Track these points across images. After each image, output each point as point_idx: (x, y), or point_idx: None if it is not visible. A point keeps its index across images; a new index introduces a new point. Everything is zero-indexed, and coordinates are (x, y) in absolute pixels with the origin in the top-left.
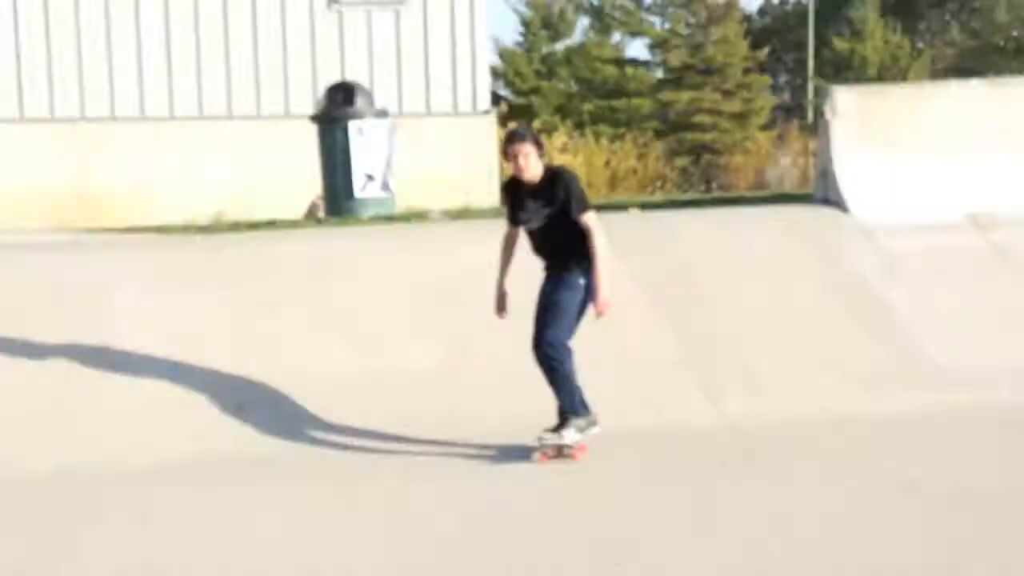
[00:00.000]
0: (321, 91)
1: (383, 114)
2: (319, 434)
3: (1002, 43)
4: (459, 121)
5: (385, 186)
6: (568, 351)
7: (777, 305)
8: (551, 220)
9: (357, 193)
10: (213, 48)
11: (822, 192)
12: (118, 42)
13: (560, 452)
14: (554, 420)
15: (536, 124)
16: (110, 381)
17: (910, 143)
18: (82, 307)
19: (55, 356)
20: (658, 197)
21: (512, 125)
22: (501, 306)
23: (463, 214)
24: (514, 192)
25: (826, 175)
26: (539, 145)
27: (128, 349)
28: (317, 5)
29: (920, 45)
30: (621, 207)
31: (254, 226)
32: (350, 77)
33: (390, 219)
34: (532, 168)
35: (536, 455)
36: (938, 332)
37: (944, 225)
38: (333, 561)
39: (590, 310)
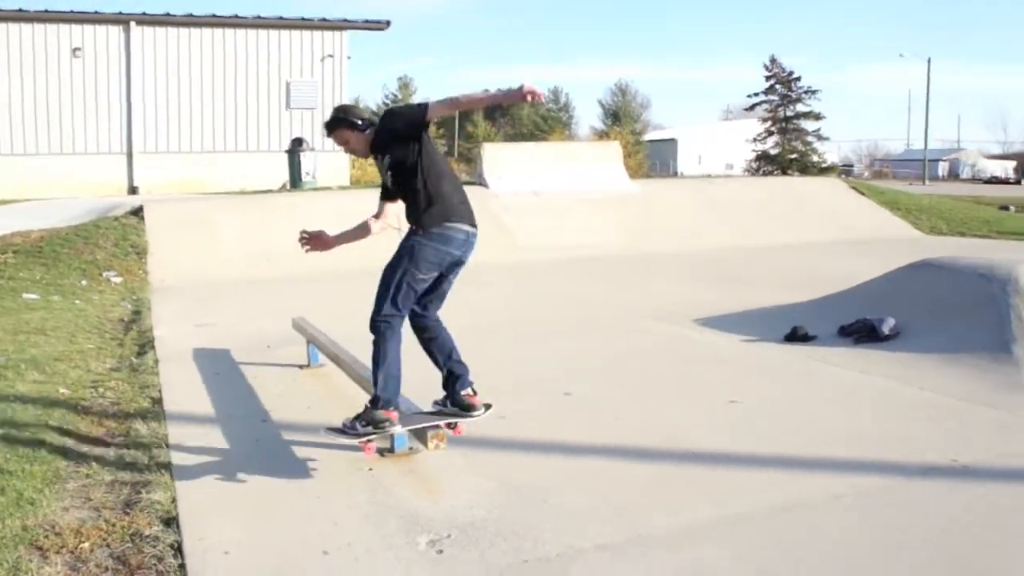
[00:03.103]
0: (289, 140)
1: (312, 149)
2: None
3: (524, 131)
4: (336, 153)
5: (313, 177)
6: (392, 329)
7: None
8: (392, 171)
9: (302, 179)
10: (260, 124)
11: (479, 181)
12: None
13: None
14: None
15: None
16: (218, 242)
17: (508, 163)
18: (203, 223)
19: (200, 243)
20: None
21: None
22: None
23: (344, 188)
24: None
25: (481, 175)
26: (352, 125)
27: (223, 234)
28: (283, 108)
29: (497, 129)
30: None
31: (263, 191)
32: (298, 134)
33: (315, 189)
34: (358, 147)
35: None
36: (522, 232)
37: (524, 193)
38: None
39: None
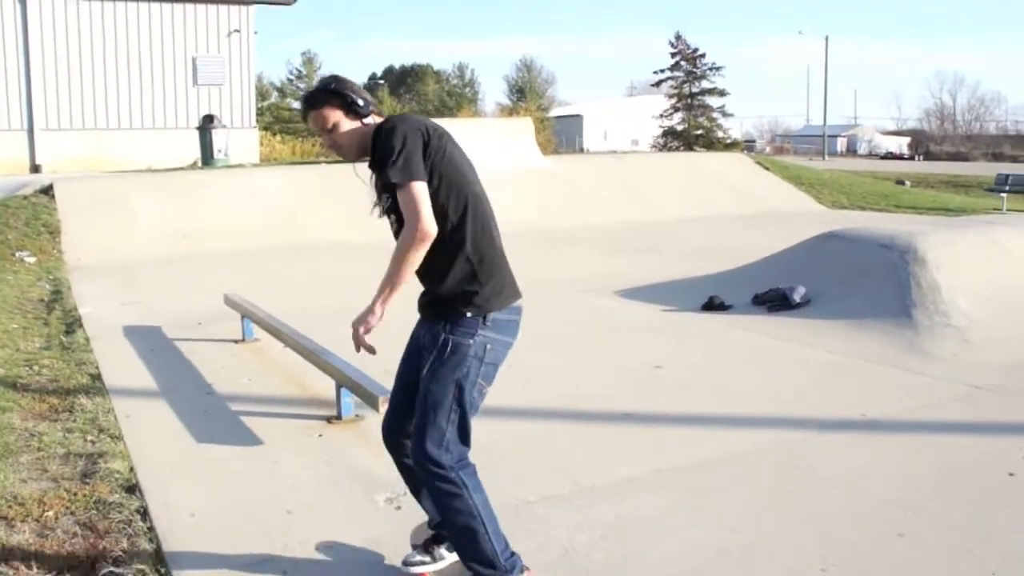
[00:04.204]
0: (196, 117)
1: (223, 126)
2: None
3: (430, 107)
4: (246, 130)
5: (225, 154)
6: (470, 474)
7: None
8: (393, 211)
9: (215, 156)
10: (167, 101)
11: None
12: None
13: None
14: None
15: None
16: (133, 221)
17: None
18: (117, 201)
19: (114, 221)
20: None
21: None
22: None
23: (257, 166)
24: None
25: None
26: (348, 104)
27: (138, 212)
28: (190, 84)
29: (403, 105)
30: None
31: (174, 169)
32: (206, 111)
33: (228, 166)
34: (345, 139)
35: None
36: None
37: None
38: None
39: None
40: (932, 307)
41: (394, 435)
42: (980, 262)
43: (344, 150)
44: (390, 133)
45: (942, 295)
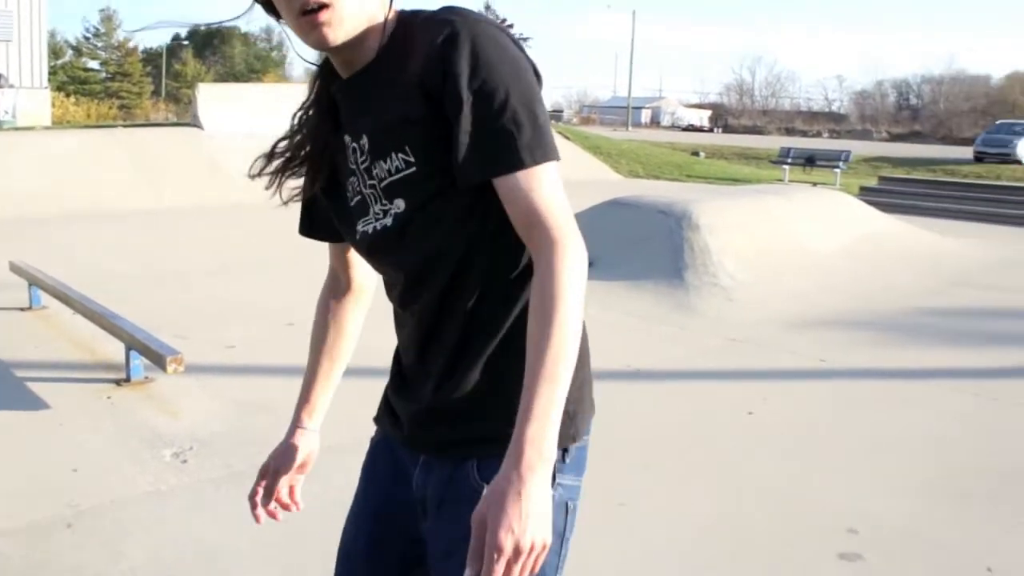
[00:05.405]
0: None
1: (11, 85)
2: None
3: (236, 71)
4: (36, 91)
5: (12, 115)
6: None
7: None
8: (418, 192)
9: (0, 118)
10: None
11: (193, 122)
12: None
13: None
14: None
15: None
16: None
17: (225, 105)
18: None
19: None
20: None
21: None
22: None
23: (49, 129)
24: (321, 120)
25: (195, 116)
26: None
27: None
28: None
29: (208, 67)
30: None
31: None
32: None
33: (16, 129)
34: (354, 5)
35: None
36: (239, 174)
37: (240, 136)
38: None
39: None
40: (702, 269)
41: None
42: (749, 228)
43: (335, 26)
44: (493, 54)
45: (712, 258)
